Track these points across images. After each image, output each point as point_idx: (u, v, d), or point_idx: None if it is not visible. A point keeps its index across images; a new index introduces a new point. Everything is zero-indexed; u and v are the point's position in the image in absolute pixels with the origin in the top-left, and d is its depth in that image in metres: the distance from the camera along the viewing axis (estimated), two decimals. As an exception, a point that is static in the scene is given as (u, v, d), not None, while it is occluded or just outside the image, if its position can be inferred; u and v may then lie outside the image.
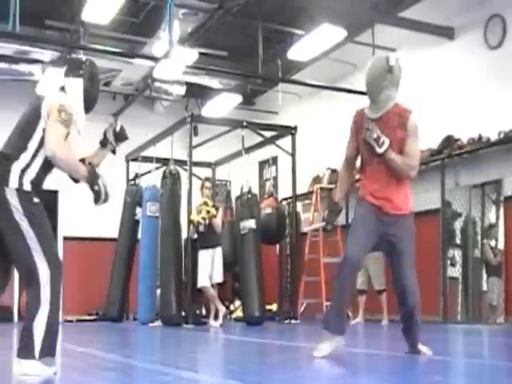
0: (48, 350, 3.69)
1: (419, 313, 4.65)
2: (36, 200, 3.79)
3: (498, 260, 8.50)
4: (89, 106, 4.09)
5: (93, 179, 3.83)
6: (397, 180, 4.58)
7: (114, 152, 4.33)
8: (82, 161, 4.02)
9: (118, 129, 4.26)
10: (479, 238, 8.80)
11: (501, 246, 8.53)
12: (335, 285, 4.59)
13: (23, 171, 3.78)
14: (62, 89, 4.03)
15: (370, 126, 4.49)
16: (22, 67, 11.00)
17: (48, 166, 3.85)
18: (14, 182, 3.74)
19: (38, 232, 3.71)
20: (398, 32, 9.97)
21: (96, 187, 3.82)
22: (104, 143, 4.25)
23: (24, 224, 3.68)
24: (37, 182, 3.84)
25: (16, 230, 3.68)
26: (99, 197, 3.85)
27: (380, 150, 4.45)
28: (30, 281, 3.69)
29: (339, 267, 4.57)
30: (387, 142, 4.45)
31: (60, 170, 3.87)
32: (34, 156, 3.82)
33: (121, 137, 4.27)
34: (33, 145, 3.83)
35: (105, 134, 4.26)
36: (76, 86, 4.03)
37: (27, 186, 3.77)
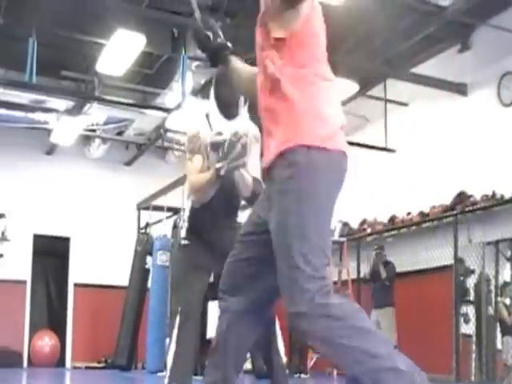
0: None
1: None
2: (183, 242, 3.72)
3: (512, 319, 8.35)
4: (224, 111, 3.74)
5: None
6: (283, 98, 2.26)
7: None
8: None
9: None
10: (493, 295, 8.64)
11: (515, 304, 8.40)
12: None
13: (181, 228, 3.81)
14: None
15: None
16: (38, 116, 11.12)
17: (199, 208, 3.65)
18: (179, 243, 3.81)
19: (177, 281, 3.70)
20: (411, 86, 9.98)
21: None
22: None
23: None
24: (193, 226, 3.72)
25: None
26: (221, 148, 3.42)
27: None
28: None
29: None
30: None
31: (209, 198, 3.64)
32: (185, 210, 3.83)
33: None
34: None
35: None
36: (210, 100, 3.77)
37: (182, 234, 3.77)
